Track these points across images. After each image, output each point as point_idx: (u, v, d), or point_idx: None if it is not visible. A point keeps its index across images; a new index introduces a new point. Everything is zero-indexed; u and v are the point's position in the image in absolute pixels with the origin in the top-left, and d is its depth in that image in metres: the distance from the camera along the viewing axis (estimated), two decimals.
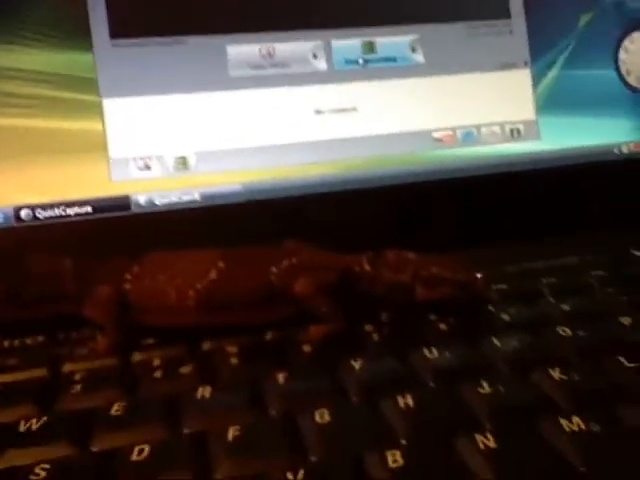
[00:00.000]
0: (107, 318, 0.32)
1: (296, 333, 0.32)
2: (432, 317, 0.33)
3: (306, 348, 0.31)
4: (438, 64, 0.44)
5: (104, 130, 0.40)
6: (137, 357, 0.31)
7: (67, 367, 0.30)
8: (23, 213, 0.39)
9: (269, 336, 0.32)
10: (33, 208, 0.39)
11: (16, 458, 0.24)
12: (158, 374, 0.29)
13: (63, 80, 0.39)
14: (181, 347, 0.31)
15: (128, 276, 0.33)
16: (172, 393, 0.27)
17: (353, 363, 0.29)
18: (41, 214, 0.39)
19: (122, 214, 0.40)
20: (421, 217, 0.43)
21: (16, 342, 0.33)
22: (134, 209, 0.40)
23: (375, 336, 0.32)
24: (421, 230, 0.43)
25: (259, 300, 0.32)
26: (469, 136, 0.45)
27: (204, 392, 0.27)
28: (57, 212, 0.39)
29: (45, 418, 0.26)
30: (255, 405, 0.26)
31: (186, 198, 0.41)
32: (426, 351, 0.29)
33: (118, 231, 0.39)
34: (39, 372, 0.30)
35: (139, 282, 0.32)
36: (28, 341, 0.33)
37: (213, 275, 0.32)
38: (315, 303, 0.32)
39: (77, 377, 0.29)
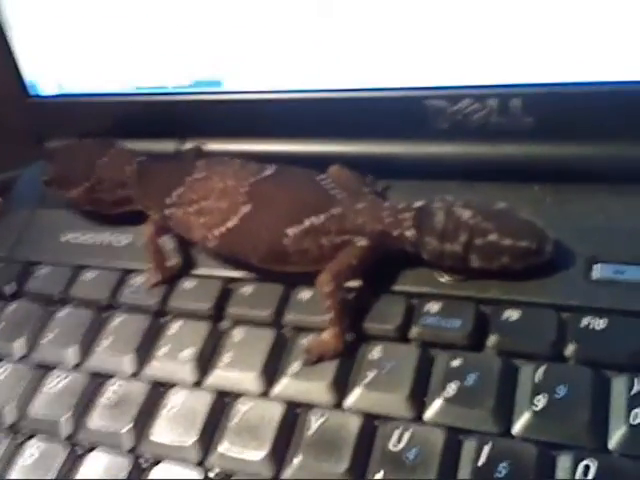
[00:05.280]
0: (152, 254, 0.35)
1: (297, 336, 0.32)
2: None
3: None
4: None
5: None
6: None
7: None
8: None
9: None
10: None
11: None
12: None
13: None
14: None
15: (169, 200, 0.34)
16: None
17: None
18: None
19: None
20: None
21: None
22: None
23: None
24: None
25: (270, 261, 0.32)
26: None
27: None
28: None
29: None
30: None
31: None
32: None
33: None
34: None
35: (178, 209, 0.34)
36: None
37: (233, 222, 0.32)
38: (328, 304, 0.30)
39: None
